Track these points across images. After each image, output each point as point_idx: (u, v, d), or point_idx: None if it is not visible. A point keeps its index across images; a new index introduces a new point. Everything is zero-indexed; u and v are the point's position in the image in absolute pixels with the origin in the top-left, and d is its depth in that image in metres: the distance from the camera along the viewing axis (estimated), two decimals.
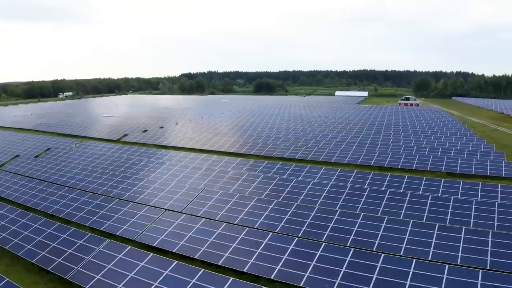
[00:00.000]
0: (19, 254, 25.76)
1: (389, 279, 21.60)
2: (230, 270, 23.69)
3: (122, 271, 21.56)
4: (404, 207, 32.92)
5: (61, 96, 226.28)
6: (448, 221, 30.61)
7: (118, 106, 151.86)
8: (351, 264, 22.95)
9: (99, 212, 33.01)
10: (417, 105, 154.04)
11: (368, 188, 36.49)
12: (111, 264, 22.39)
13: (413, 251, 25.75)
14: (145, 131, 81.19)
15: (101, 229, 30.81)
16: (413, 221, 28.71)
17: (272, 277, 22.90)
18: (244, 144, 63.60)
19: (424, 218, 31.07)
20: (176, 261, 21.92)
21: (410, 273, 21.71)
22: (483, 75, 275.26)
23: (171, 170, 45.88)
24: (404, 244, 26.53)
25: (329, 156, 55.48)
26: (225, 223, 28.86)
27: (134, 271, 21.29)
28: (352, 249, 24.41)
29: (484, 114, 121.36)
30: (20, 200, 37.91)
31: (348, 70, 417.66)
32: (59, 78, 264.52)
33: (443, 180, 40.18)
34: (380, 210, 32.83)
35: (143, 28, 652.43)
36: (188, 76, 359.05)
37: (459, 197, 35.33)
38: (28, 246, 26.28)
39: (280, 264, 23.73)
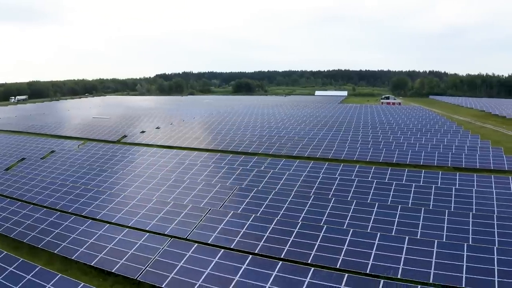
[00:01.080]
0: None
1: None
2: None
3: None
4: (435, 200, 34.94)
5: (12, 101, 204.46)
6: (474, 210, 32.72)
7: (107, 107, 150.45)
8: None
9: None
10: (399, 104, 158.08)
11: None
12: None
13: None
14: (143, 132, 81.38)
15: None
16: (448, 211, 30.62)
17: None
18: (251, 143, 64.79)
19: (452, 208, 33.09)
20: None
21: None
22: (456, 74, 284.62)
23: (192, 169, 46.85)
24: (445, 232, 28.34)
25: (350, 155, 57.31)
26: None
27: None
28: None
29: (465, 112, 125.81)
30: None
31: (322, 70, 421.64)
32: (32, 80, 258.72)
33: (458, 174, 42.51)
34: (411, 200, 34.68)
35: (113, 28, 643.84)
36: (164, 77, 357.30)
37: (480, 189, 37.39)
38: None
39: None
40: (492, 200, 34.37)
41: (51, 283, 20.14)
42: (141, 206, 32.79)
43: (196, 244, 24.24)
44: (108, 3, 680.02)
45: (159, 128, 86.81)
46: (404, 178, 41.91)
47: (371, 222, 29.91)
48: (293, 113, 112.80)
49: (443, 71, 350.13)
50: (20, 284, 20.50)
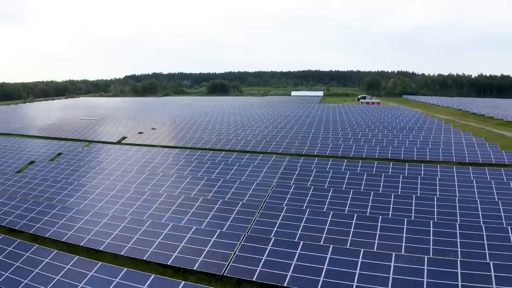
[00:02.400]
0: None
1: None
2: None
3: None
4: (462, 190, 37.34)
5: None
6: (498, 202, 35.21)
7: (89, 109, 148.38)
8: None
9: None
10: (378, 103, 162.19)
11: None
12: None
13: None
14: (141, 133, 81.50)
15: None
16: (481, 199, 32.96)
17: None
18: (257, 142, 66.17)
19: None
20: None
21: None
22: (423, 74, 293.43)
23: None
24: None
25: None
26: None
27: None
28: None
29: (444, 111, 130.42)
30: None
31: (293, 71, 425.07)
32: None
33: (470, 167, 45.28)
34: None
35: (77, 29, 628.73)
36: (134, 78, 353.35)
37: (504, 180, 40.08)
38: None
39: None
40: None
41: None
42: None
43: None
44: (70, 3, 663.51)
45: (154, 129, 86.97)
46: (422, 172, 44.36)
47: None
48: (283, 113, 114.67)
49: (411, 71, 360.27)
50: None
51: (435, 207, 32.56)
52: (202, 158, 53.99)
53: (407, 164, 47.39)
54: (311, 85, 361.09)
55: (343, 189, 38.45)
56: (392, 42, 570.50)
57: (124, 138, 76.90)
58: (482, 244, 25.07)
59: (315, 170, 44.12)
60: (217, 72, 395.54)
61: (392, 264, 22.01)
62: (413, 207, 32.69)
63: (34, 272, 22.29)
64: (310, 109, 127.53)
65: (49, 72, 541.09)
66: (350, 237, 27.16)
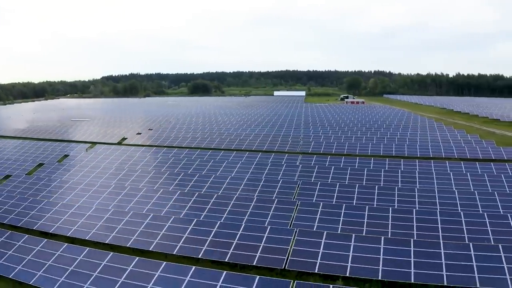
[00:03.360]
0: None
1: None
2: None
3: None
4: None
5: None
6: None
7: (76, 110, 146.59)
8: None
9: None
10: (363, 103, 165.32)
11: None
12: None
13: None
14: (139, 133, 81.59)
15: None
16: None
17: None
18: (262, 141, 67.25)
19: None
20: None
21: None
22: (400, 73, 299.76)
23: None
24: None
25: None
26: None
27: None
28: None
29: (428, 110, 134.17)
30: None
31: (271, 71, 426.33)
32: None
33: (477, 163, 47.44)
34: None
35: (49, 30, 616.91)
36: (112, 79, 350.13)
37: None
38: None
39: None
40: None
41: None
42: None
43: None
44: (41, 3, 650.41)
45: (151, 129, 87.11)
46: (432, 168, 46.22)
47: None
48: (274, 112, 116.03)
49: (387, 71, 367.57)
50: None
51: (457, 200, 34.26)
52: (215, 157, 54.71)
53: (416, 160, 49.29)
54: (290, 85, 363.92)
55: (364, 184, 39.79)
56: (366, 42, 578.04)
57: (124, 139, 76.93)
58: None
59: (333, 167, 45.49)
60: (195, 73, 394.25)
61: (442, 251, 23.51)
62: (437, 200, 34.30)
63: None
64: (299, 109, 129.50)
65: (24, 73, 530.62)
66: (389, 229, 28.57)
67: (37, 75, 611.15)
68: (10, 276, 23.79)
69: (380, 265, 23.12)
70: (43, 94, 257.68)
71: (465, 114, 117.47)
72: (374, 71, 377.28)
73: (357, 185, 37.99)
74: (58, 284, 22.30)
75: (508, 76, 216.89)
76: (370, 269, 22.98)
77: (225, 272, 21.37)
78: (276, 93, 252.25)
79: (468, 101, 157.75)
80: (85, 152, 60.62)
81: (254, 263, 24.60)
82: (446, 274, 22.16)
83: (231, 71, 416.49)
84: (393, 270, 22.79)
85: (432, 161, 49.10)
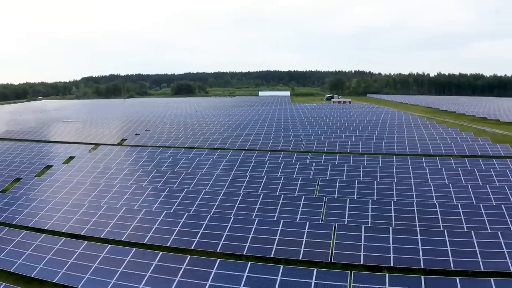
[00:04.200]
0: None
1: None
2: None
3: None
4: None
5: None
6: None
7: (66, 111, 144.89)
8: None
9: None
10: (349, 102, 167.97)
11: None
12: None
13: None
14: (137, 134, 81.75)
15: None
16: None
17: None
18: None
19: None
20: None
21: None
22: (380, 73, 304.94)
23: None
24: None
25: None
26: None
27: None
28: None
29: (415, 109, 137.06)
30: None
31: (252, 71, 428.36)
32: None
33: (480, 159, 49.54)
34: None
35: (25, 30, 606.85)
36: (92, 80, 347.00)
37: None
38: None
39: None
40: None
41: None
42: None
43: None
44: (16, 3, 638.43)
45: (148, 130, 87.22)
46: (438, 163, 48.09)
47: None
48: (268, 113, 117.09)
49: (368, 71, 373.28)
50: None
51: (472, 193, 36.07)
52: (231, 159, 55.47)
53: (423, 157, 51.15)
54: (272, 85, 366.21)
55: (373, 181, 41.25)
56: (346, 42, 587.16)
57: (124, 140, 77.10)
58: None
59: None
60: (175, 73, 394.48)
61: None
62: (453, 194, 36.01)
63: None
64: (290, 109, 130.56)
65: (2, 74, 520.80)
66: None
67: (17, 77, 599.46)
68: None
69: (421, 255, 24.54)
70: (25, 95, 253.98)
71: (452, 112, 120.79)
72: (355, 71, 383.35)
73: (374, 181, 39.46)
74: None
75: (488, 75, 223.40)
76: (411, 259, 24.38)
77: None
78: (260, 93, 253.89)
79: (452, 100, 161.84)
80: (89, 154, 60.84)
81: (300, 258, 25.72)
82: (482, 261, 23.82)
83: (212, 72, 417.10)
84: (433, 259, 24.26)
85: (437, 158, 51.03)
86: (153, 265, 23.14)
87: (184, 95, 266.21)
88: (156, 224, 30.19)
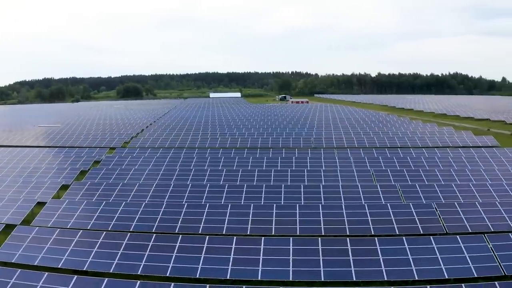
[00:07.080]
0: None
1: None
2: None
3: None
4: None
5: None
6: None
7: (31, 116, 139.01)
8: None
9: None
10: (307, 102, 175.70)
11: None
12: None
13: None
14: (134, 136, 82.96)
15: None
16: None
17: None
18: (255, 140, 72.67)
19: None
20: None
21: None
22: (317, 74, 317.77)
23: None
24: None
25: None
26: None
27: None
28: None
29: (373, 107, 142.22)
30: None
31: (190, 73, 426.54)
32: None
33: (474, 149, 56.93)
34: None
35: None
36: (26, 84, 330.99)
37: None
38: None
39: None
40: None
41: None
42: None
43: None
44: None
45: (143, 130, 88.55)
46: (437, 156, 55.22)
47: None
48: (243, 114, 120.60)
49: (304, 72, 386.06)
50: None
51: (472, 177, 42.16)
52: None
53: (423, 149, 58.44)
54: (214, 86, 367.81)
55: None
56: (277, 43, 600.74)
57: (126, 142, 78.21)
58: None
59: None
60: (112, 76, 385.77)
61: None
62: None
63: None
64: (258, 110, 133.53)
65: None
66: None
67: None
68: None
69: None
70: None
71: (409, 110, 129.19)
72: (292, 72, 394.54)
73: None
74: None
75: (425, 75, 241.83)
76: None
77: None
78: (212, 95, 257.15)
79: (401, 98, 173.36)
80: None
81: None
82: None
83: (149, 74, 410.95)
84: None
85: (436, 149, 58.48)
86: None
87: (132, 97, 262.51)
88: None
